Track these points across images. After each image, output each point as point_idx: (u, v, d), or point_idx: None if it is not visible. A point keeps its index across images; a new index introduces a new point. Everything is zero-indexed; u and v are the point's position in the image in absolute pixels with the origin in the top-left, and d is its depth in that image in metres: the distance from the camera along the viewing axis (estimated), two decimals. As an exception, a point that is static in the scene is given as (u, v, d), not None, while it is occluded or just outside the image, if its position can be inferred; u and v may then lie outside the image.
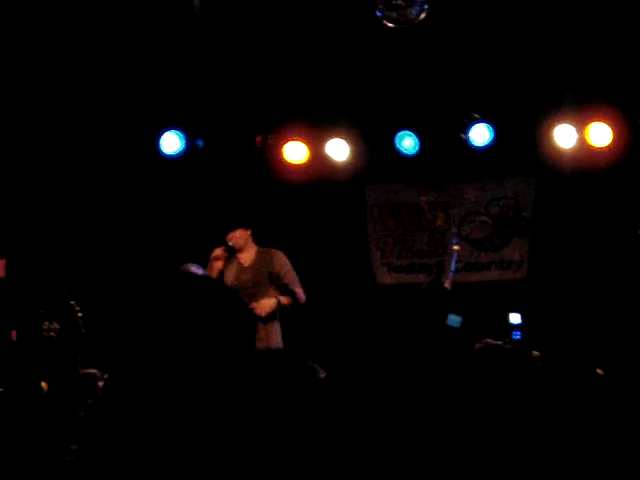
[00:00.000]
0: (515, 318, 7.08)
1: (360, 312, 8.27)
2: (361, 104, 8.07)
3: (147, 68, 7.88)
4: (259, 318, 6.48)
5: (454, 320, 6.57)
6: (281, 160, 8.30)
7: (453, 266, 7.15)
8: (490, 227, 8.57)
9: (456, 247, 7.27)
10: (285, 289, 6.68)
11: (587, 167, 7.97)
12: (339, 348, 7.21)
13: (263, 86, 7.98)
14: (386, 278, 8.73)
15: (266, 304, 6.54)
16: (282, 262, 6.77)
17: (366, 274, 8.28)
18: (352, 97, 7.98)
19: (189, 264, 7.30)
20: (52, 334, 6.50)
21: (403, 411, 2.82)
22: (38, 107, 8.00)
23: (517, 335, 6.96)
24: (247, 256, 6.81)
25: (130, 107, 8.11)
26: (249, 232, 6.81)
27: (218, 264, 6.72)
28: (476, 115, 7.94)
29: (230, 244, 6.71)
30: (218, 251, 6.71)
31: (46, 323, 6.48)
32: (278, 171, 8.37)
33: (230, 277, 6.76)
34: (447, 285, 7.04)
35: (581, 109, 7.78)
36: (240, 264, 6.80)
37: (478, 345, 6.45)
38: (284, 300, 6.65)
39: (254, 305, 6.47)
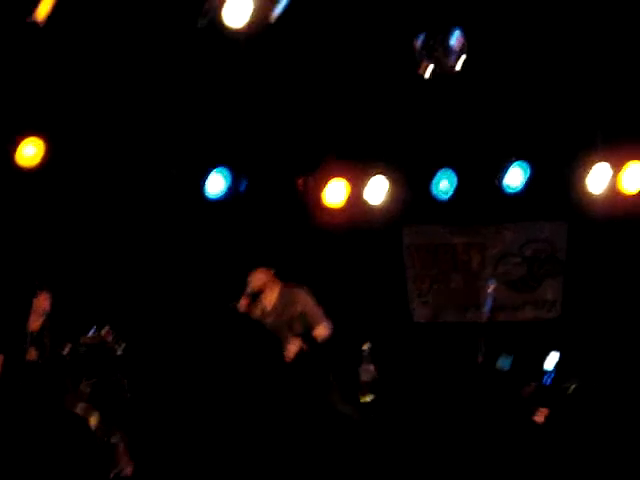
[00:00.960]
0: (549, 364, 7.19)
1: (399, 350, 8.45)
2: (399, 146, 8.29)
3: (192, 111, 8.07)
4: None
5: (505, 362, 6.74)
6: (321, 203, 8.50)
7: (489, 305, 7.29)
8: (524, 268, 8.77)
9: (491, 287, 7.40)
10: (310, 327, 6.73)
11: (619, 212, 8.14)
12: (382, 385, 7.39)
13: (306, 128, 8.20)
14: (423, 316, 8.93)
15: (291, 347, 6.63)
16: (306, 301, 6.79)
17: (404, 312, 8.45)
18: (391, 139, 8.20)
19: None
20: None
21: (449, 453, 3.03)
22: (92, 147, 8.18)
23: (549, 380, 7.08)
24: (270, 298, 6.87)
25: (176, 148, 8.30)
26: (271, 272, 6.84)
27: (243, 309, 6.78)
28: (512, 158, 8.16)
29: (250, 287, 6.74)
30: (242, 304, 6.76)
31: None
32: (318, 214, 8.57)
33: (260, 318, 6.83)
34: (483, 323, 7.18)
35: (615, 150, 7.92)
36: (264, 307, 6.87)
37: (528, 389, 6.59)
38: (318, 335, 6.67)
39: (286, 352, 6.60)
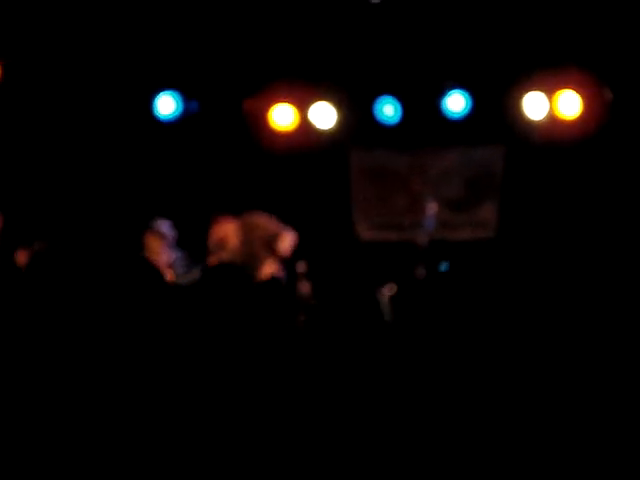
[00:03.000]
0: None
1: (342, 268, 8.77)
2: (345, 69, 8.47)
3: (143, 29, 8.15)
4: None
5: (443, 266, 7.05)
6: (268, 125, 8.70)
7: (430, 225, 7.58)
8: (463, 189, 9.12)
9: (432, 207, 7.68)
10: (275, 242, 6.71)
11: (556, 137, 8.44)
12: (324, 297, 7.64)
13: (253, 49, 8.34)
14: (367, 235, 9.27)
15: (266, 269, 6.58)
16: (260, 223, 6.67)
17: (349, 233, 8.75)
18: (337, 62, 8.39)
19: (159, 220, 7.63)
20: None
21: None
22: (37, 69, 8.23)
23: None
24: (233, 240, 6.76)
25: (125, 69, 8.37)
26: (233, 219, 6.82)
27: None
28: (452, 83, 8.44)
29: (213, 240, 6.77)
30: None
31: None
32: (265, 136, 8.77)
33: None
34: (424, 242, 7.46)
35: (551, 76, 8.22)
36: (229, 249, 6.81)
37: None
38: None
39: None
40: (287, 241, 6.86)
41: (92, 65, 8.28)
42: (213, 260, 6.84)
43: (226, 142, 8.87)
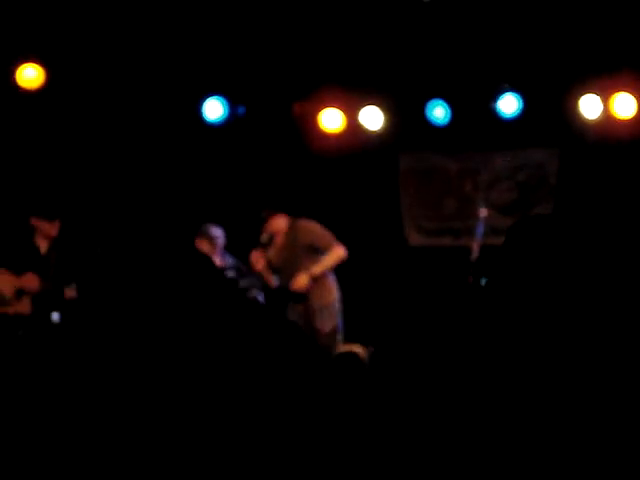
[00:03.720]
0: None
1: (393, 274, 8.66)
2: (394, 73, 8.37)
3: (191, 33, 8.10)
4: (299, 296, 6.79)
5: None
6: (317, 128, 8.62)
7: (481, 230, 7.45)
8: (516, 193, 8.94)
9: (483, 212, 7.55)
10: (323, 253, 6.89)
11: (612, 138, 8.25)
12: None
13: (302, 54, 8.27)
14: (417, 240, 9.13)
15: (297, 281, 6.79)
16: (308, 231, 6.94)
17: (399, 237, 8.65)
18: (386, 65, 8.28)
19: (210, 224, 7.60)
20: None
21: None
22: (85, 74, 8.24)
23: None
24: (280, 237, 7.00)
25: (173, 74, 8.36)
26: (287, 216, 6.99)
27: (259, 266, 6.92)
28: (506, 85, 8.27)
29: (264, 237, 6.88)
30: (256, 260, 6.89)
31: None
32: (314, 139, 8.70)
33: (273, 260, 6.97)
34: (475, 248, 7.33)
35: (606, 79, 8.03)
36: (276, 246, 7.01)
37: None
38: (318, 269, 6.82)
39: (292, 286, 6.77)
40: (335, 255, 6.83)
41: (140, 70, 8.27)
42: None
43: (274, 145, 8.82)
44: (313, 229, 6.94)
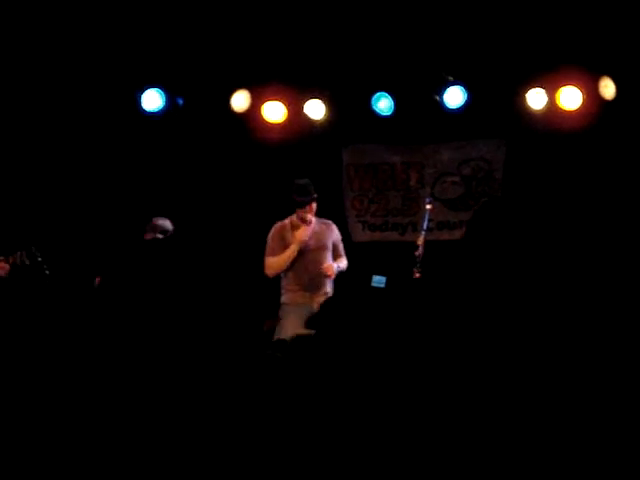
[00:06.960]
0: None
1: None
2: (338, 66, 8.25)
3: (130, 26, 8.01)
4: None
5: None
6: (260, 119, 8.47)
7: (426, 225, 7.33)
8: (462, 187, 8.82)
9: (429, 206, 7.44)
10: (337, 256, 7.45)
11: (558, 129, 8.21)
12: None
13: (243, 45, 8.15)
14: (361, 236, 8.98)
15: (330, 268, 7.29)
16: (338, 234, 7.51)
17: (343, 233, 8.48)
18: (329, 58, 8.16)
19: (159, 218, 7.49)
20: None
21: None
22: (20, 67, 8.11)
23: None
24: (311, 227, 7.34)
25: (111, 65, 8.24)
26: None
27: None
28: (450, 77, 8.16)
29: (309, 217, 7.26)
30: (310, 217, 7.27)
31: None
32: (256, 130, 8.55)
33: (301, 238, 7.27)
34: (420, 243, 7.20)
35: (552, 73, 7.99)
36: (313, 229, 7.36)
37: None
38: (342, 266, 7.44)
39: (325, 267, 7.24)
40: (346, 264, 7.52)
41: (77, 61, 8.17)
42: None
43: (213, 136, 8.68)
44: (339, 235, 7.57)
